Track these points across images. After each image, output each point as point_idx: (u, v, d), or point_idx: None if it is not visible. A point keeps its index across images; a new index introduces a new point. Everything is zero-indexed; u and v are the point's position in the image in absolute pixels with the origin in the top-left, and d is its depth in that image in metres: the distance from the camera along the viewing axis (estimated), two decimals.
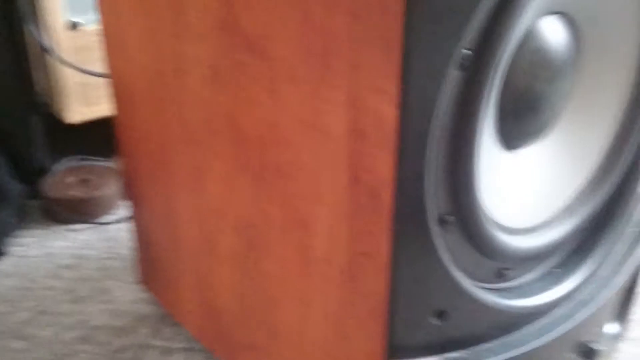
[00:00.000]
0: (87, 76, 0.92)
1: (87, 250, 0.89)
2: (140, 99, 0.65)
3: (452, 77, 0.39)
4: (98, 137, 1.03)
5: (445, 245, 0.44)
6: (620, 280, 0.59)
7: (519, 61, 0.47)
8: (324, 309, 0.50)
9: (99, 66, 0.92)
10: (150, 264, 0.76)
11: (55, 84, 0.93)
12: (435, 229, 0.43)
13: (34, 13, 0.88)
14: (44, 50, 0.89)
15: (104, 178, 0.97)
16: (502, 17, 0.40)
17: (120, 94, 0.69)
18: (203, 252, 0.65)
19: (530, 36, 0.47)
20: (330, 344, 0.51)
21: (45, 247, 0.90)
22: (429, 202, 0.41)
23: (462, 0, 0.38)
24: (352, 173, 0.42)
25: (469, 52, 0.40)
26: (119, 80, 0.68)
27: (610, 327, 0.67)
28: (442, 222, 0.44)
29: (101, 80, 0.93)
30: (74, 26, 0.90)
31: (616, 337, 0.68)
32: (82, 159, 1.03)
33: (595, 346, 0.57)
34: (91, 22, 0.91)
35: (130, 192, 0.75)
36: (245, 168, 0.53)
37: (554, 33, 0.48)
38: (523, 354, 0.51)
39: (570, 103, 0.53)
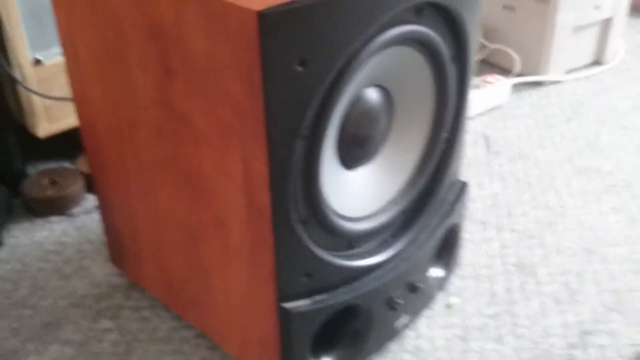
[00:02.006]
0: (50, 100, 1.14)
1: (65, 237, 1.09)
2: (103, 137, 0.85)
3: (299, 144, 0.66)
4: (61, 146, 1.26)
5: (307, 235, 0.70)
6: (433, 243, 0.89)
7: (350, 118, 0.71)
8: (239, 276, 0.76)
9: (59, 91, 1.15)
10: (117, 245, 0.96)
11: (25, 107, 1.15)
12: (299, 226, 0.70)
13: (4, 53, 1.08)
14: (15, 81, 1.11)
15: (69, 178, 1.16)
16: (326, 109, 0.64)
17: (87, 133, 0.88)
18: (157, 240, 0.87)
19: (356, 102, 0.71)
20: (246, 297, 0.77)
21: (32, 237, 1.08)
22: (293, 212, 0.68)
23: (299, 104, 0.62)
24: (248, 199, 0.69)
25: (307, 129, 0.65)
26: (86, 122, 0.88)
27: (437, 272, 0.97)
28: (304, 222, 0.71)
29: (61, 102, 1.16)
30: (37, 62, 1.11)
31: (444, 277, 0.99)
32: (50, 164, 1.26)
33: (418, 284, 0.88)
34: (51, 58, 1.12)
35: (98, 195, 0.95)
36: (185, 190, 0.77)
37: (373, 98, 0.73)
38: (366, 291, 0.78)
39: (390, 137, 0.78)
